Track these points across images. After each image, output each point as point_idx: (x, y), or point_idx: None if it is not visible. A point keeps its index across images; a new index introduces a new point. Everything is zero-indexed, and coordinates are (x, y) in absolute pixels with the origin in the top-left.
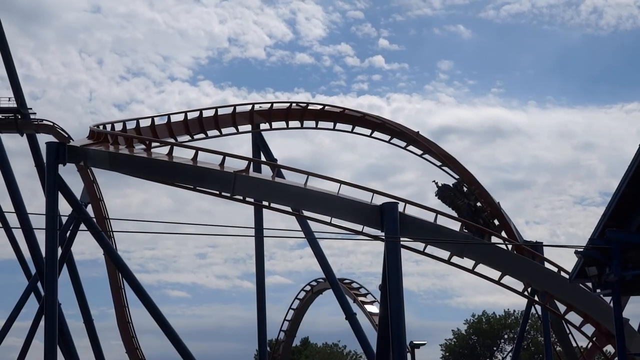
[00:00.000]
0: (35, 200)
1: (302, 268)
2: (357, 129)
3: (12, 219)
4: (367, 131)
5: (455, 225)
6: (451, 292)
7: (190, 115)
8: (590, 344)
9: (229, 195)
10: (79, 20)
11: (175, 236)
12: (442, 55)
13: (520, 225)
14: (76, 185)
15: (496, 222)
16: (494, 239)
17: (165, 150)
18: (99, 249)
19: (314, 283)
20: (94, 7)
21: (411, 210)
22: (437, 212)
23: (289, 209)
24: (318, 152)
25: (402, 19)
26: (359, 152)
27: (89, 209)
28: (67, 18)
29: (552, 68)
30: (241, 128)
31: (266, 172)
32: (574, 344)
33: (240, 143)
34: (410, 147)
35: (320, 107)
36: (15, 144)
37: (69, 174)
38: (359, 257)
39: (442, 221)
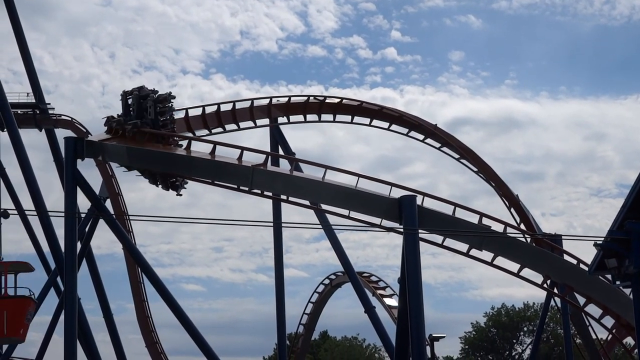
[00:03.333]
0: (51, 195)
1: (318, 261)
2: (375, 122)
3: (31, 214)
4: (385, 124)
5: (474, 218)
6: (468, 284)
7: (208, 110)
8: (610, 336)
9: (247, 189)
10: (89, 13)
11: (191, 230)
12: (454, 46)
13: (536, 217)
14: (94, 180)
15: (515, 214)
16: (513, 232)
17: (183, 144)
18: (115, 244)
19: (332, 276)
20: (105, 0)
21: (429, 203)
22: (456, 205)
23: (307, 202)
24: (330, 144)
25: (413, 11)
26: (370, 143)
27: (107, 204)
28: (77, 11)
29: (565, 59)
30: (259, 122)
31: (284, 165)
32: (594, 336)
33: (258, 137)
34: (428, 140)
35: (337, 100)
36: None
37: (87, 168)
38: (375, 250)
39: (461, 214)
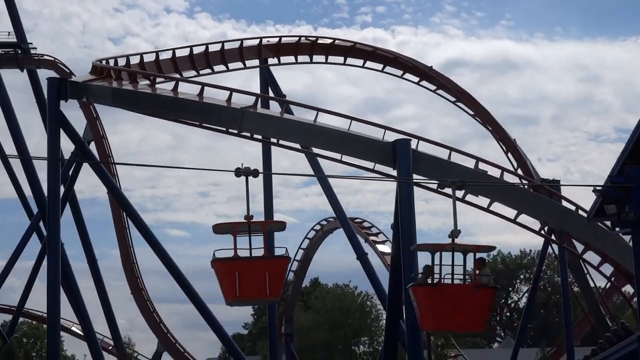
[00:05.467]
0: (33, 137)
1: (308, 207)
2: (368, 64)
3: (13, 158)
4: (379, 66)
5: (470, 162)
6: (462, 231)
7: (196, 50)
8: (609, 284)
9: (236, 132)
10: None
11: (176, 175)
12: None
13: (533, 162)
14: (78, 122)
15: (512, 159)
16: (510, 177)
17: (170, 85)
18: (98, 188)
19: (323, 222)
20: None
21: (423, 147)
22: (451, 149)
23: (297, 146)
24: (317, 86)
25: None
26: (359, 85)
27: (91, 147)
28: None
29: None
30: (248, 63)
31: (274, 108)
32: (592, 285)
33: (246, 78)
34: (423, 83)
35: (330, 41)
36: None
37: (71, 110)
38: (366, 195)
39: (457, 158)
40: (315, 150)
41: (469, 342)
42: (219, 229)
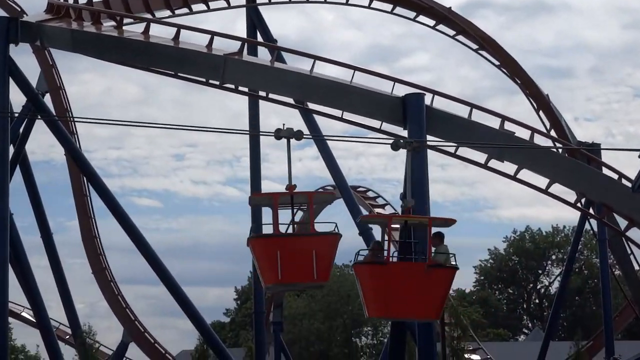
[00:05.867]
0: None
1: (302, 173)
2: (375, 4)
3: None
4: (388, 6)
5: (495, 122)
6: (483, 203)
7: None
8: None
9: (218, 83)
10: None
11: (146, 133)
12: None
13: (569, 122)
14: (31, 71)
15: (544, 118)
16: (542, 139)
17: (140, 27)
18: (54, 148)
19: (320, 191)
20: None
21: (438, 103)
22: (472, 106)
23: (290, 100)
24: (313, 29)
25: None
26: (363, 29)
27: (46, 100)
28: None
29: None
30: (233, 1)
31: (263, 55)
32: (636, 267)
33: (230, 20)
34: (440, 27)
35: None
36: None
37: (23, 56)
38: (370, 160)
39: (478, 116)
40: (311, 105)
41: (491, 333)
42: (256, 200)
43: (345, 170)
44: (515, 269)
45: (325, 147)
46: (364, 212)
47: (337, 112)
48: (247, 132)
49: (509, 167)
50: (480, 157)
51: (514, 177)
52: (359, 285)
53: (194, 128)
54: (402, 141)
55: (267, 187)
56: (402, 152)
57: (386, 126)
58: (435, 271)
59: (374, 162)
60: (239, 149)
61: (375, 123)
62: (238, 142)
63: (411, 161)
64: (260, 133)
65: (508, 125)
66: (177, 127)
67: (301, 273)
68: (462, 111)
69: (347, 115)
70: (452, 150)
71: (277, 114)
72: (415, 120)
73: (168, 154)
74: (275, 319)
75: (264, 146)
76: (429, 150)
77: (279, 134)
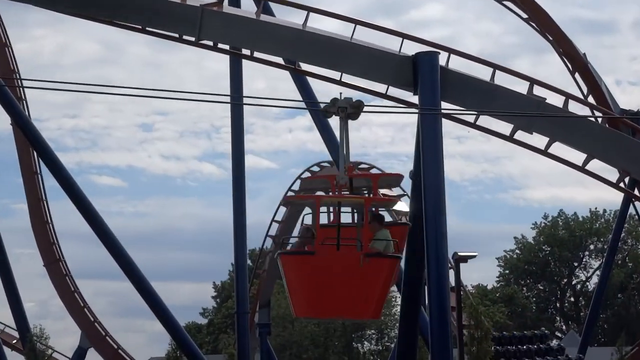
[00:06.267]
0: None
1: (292, 146)
2: None
3: None
4: None
5: (522, 86)
6: (508, 182)
7: None
8: None
9: (193, 39)
10: None
11: (107, 99)
12: None
13: (610, 87)
14: None
15: (581, 81)
16: (578, 107)
17: None
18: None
19: (314, 168)
20: None
21: (455, 64)
22: (495, 67)
23: (280, 60)
24: None
25: None
26: None
27: None
28: None
29: None
30: None
31: (247, 7)
32: None
33: None
34: None
35: None
36: None
37: None
38: (375, 131)
39: (502, 79)
40: (304, 66)
41: None
42: (307, 183)
43: None
44: (546, 262)
45: (319, 116)
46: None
47: (335, 75)
48: (260, 101)
49: (539, 140)
50: (505, 127)
51: (544, 152)
52: (284, 279)
53: (165, 96)
54: (335, 104)
55: (252, 163)
56: (412, 124)
57: (393, 91)
58: (374, 261)
59: (379, 133)
60: (218, 118)
61: (381, 87)
62: (217, 110)
63: (422, 127)
64: (278, 99)
65: (538, 90)
66: (145, 91)
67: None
68: (483, 73)
69: (347, 78)
70: (471, 119)
71: (264, 76)
72: (428, 83)
73: (134, 124)
74: (262, 321)
75: (248, 114)
76: (443, 120)
77: (334, 105)
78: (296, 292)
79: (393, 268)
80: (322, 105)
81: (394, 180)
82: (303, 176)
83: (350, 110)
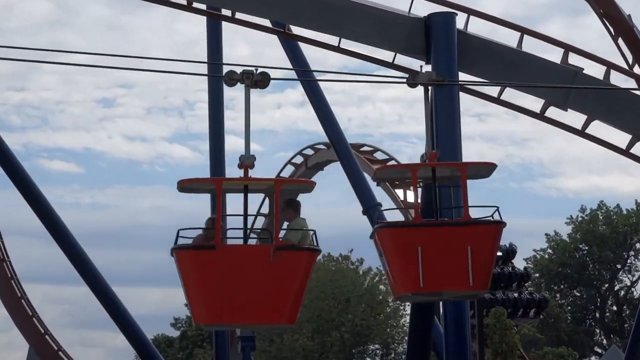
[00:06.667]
0: None
1: (281, 125)
2: None
3: None
4: None
5: (555, 53)
6: (538, 169)
7: None
8: None
9: None
10: None
11: (60, 69)
12: None
13: None
14: None
15: (625, 48)
16: (621, 78)
17: None
18: None
19: (308, 152)
20: None
21: (475, 27)
22: (523, 30)
23: (267, 22)
24: None
25: None
26: None
27: None
28: None
29: None
30: None
31: None
32: None
33: None
34: None
35: None
36: None
37: None
38: (379, 107)
39: (531, 45)
40: (296, 30)
41: (550, 353)
42: (383, 173)
43: (343, 122)
44: (584, 263)
45: (315, 89)
46: (370, 181)
47: (332, 40)
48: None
49: (575, 118)
50: (535, 103)
51: (581, 132)
52: (181, 280)
53: (129, 65)
54: (423, 73)
55: (233, 145)
56: (422, 99)
57: (401, 59)
58: (287, 256)
59: (385, 110)
60: (192, 92)
61: (386, 55)
62: (191, 82)
63: (435, 102)
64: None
65: (573, 59)
66: (105, 59)
67: (451, 277)
68: (508, 38)
69: (346, 44)
70: (494, 93)
71: (246, 41)
72: (443, 50)
73: (92, 98)
74: (245, 333)
75: (229, 87)
76: (461, 94)
77: (230, 78)
78: (194, 295)
79: (311, 263)
80: (313, 74)
81: (486, 169)
82: (306, 155)
83: (253, 79)
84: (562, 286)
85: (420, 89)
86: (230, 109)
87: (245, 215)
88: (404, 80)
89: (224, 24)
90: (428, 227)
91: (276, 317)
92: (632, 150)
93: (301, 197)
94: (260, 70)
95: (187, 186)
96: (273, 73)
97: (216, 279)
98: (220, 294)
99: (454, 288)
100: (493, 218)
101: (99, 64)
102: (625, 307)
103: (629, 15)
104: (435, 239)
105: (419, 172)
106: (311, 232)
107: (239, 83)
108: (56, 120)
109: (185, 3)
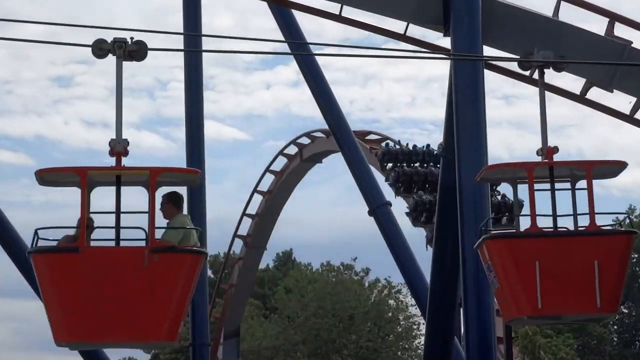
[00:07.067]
0: None
1: (271, 108)
2: None
3: None
4: None
5: (598, 24)
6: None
7: None
8: None
9: None
10: None
11: (8, 44)
12: None
13: None
14: None
15: None
16: None
17: None
18: None
19: (303, 140)
20: None
21: None
22: None
23: None
24: None
25: None
26: None
27: None
28: None
29: None
30: None
31: None
32: None
33: None
34: None
35: None
36: None
37: None
38: (386, 86)
39: (569, 15)
40: None
41: None
42: (490, 173)
43: (345, 106)
44: (633, 274)
45: (311, 67)
46: (378, 175)
47: (332, 7)
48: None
49: (622, 101)
50: (574, 83)
51: (629, 117)
52: (40, 289)
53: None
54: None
55: (213, 133)
56: (440, 78)
57: (414, 30)
58: (165, 259)
59: (394, 90)
60: (164, 69)
61: (398, 26)
62: (163, 58)
63: (456, 86)
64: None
65: (620, 30)
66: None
67: (575, 298)
68: (542, 6)
69: (349, 12)
70: (525, 71)
71: (228, 8)
72: (464, 20)
73: (45, 77)
74: (228, 356)
75: (209, 64)
76: (486, 72)
77: (98, 48)
78: (54, 308)
79: (195, 268)
80: (310, 48)
81: (615, 169)
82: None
83: (127, 51)
84: None
85: (434, 66)
86: (210, 89)
87: (118, 212)
88: (482, 58)
89: None
90: (548, 238)
91: (153, 333)
92: None
93: (292, 196)
94: (136, 39)
95: (47, 178)
96: (263, 46)
97: (80, 287)
98: (85, 305)
99: (579, 311)
100: (622, 226)
101: (53, 42)
102: None
103: None
104: (556, 252)
105: (535, 171)
106: (195, 232)
107: (110, 55)
108: (2, 103)
109: None
